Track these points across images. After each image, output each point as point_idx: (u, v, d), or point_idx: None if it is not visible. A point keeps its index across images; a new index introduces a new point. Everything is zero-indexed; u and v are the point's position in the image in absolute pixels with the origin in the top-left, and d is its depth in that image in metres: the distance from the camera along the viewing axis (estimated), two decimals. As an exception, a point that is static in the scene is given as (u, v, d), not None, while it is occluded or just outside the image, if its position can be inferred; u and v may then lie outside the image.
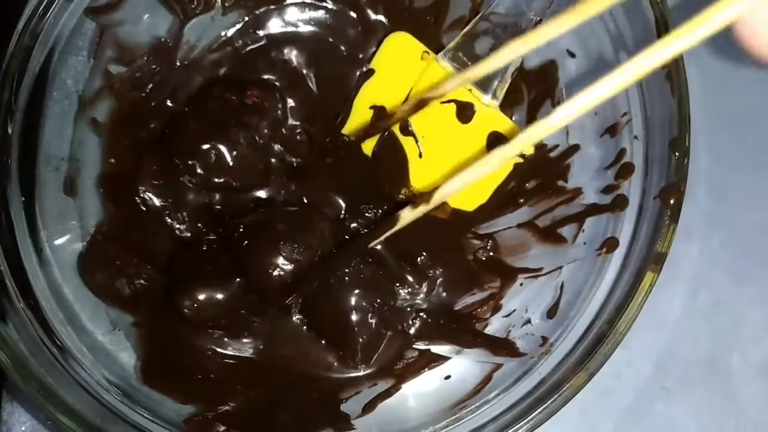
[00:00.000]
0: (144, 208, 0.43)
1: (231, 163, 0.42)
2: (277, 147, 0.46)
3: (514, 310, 0.41)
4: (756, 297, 0.47)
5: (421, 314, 0.43)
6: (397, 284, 0.44)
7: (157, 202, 0.44)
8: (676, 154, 0.32)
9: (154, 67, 0.47)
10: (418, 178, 0.44)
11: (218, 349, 0.42)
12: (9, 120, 0.38)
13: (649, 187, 0.34)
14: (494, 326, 0.41)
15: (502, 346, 0.39)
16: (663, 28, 0.31)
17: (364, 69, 0.46)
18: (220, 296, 0.40)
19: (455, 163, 0.43)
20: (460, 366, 0.41)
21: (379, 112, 0.45)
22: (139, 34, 0.45)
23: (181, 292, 0.40)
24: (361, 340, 0.41)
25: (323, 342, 0.43)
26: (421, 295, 0.44)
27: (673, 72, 0.32)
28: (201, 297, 0.40)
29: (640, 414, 0.46)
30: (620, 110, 0.37)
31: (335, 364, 0.43)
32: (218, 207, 0.44)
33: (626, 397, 0.46)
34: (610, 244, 0.35)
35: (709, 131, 0.48)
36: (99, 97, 0.44)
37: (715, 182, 0.48)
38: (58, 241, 0.41)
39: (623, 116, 0.37)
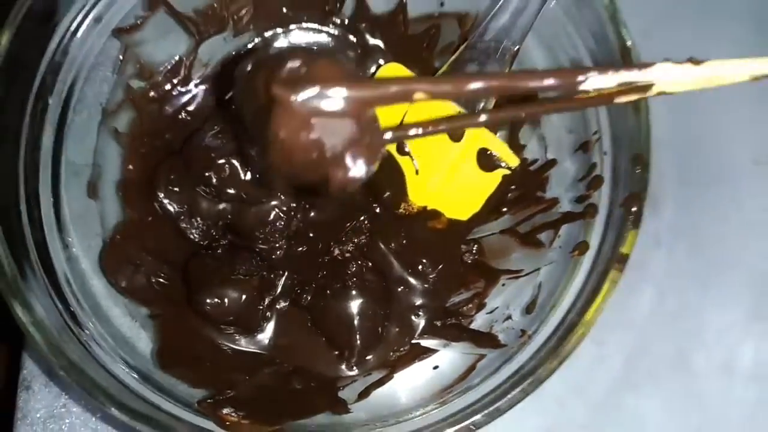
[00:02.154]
0: (161, 213, 0.46)
1: (243, 177, 0.44)
2: None
3: (497, 308, 0.44)
4: (717, 301, 0.50)
5: (420, 313, 0.46)
6: (400, 288, 0.47)
7: (173, 207, 0.46)
8: (638, 168, 0.35)
9: (171, 83, 0.49)
10: (416, 192, 0.47)
11: (229, 344, 0.45)
12: (41, 129, 0.40)
13: (615, 197, 0.37)
14: (479, 322, 0.44)
15: (485, 340, 0.41)
16: (627, 56, 0.36)
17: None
18: (239, 297, 0.43)
19: (449, 178, 0.46)
20: (447, 357, 0.43)
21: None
22: (158, 52, 0.47)
23: (204, 291, 0.43)
24: (358, 343, 0.45)
25: (325, 340, 0.46)
26: (419, 296, 0.47)
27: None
28: (222, 297, 0.43)
29: (612, 406, 0.49)
30: (592, 129, 0.40)
31: (334, 361, 0.46)
32: (229, 215, 0.47)
33: (600, 390, 0.49)
34: (582, 247, 0.38)
35: (676, 149, 0.51)
36: (120, 109, 0.47)
37: (680, 197, 0.52)
38: (82, 239, 0.42)
39: (594, 134, 0.40)
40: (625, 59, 0.36)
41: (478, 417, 0.34)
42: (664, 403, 0.49)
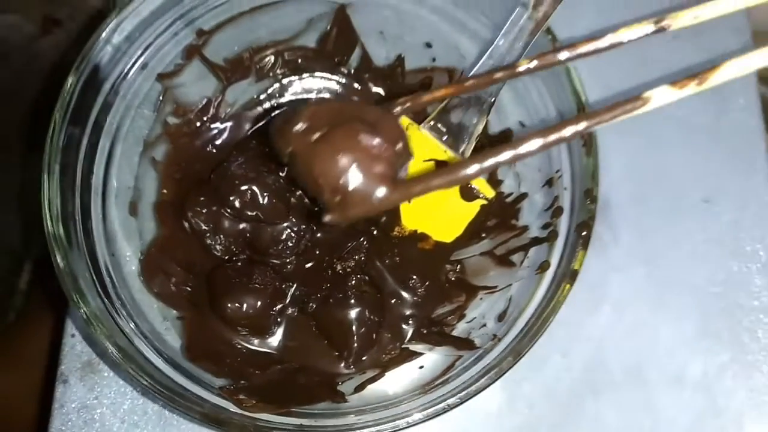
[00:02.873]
0: (190, 230, 0.50)
1: (262, 202, 0.48)
2: (298, 192, 0.50)
3: (475, 317, 0.48)
4: (669, 319, 0.54)
5: (409, 321, 0.50)
6: (393, 300, 0.51)
7: (200, 226, 0.49)
8: (588, 200, 0.41)
9: (201, 120, 0.53)
10: (408, 218, 0.51)
11: (245, 344, 0.49)
12: (93, 157, 0.45)
13: (571, 224, 0.42)
14: (459, 329, 0.48)
15: (464, 344, 0.46)
16: (581, 110, 0.43)
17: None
18: (254, 303, 0.47)
19: (436, 205, 0.50)
20: (431, 358, 0.47)
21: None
22: (191, 94, 0.51)
23: (224, 297, 0.47)
24: (356, 345, 0.48)
25: (326, 342, 0.50)
26: (409, 307, 0.51)
27: (587, 140, 0.41)
28: (240, 303, 0.47)
29: (575, 410, 0.52)
30: (555, 168, 0.45)
31: (335, 360, 0.49)
32: (248, 234, 0.50)
33: (565, 395, 0.52)
34: (545, 266, 0.43)
35: (635, 186, 0.56)
36: (158, 142, 0.51)
37: (638, 227, 0.56)
38: (125, 249, 0.47)
39: (557, 172, 0.45)
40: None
41: (452, 399, 0.39)
42: (621, 410, 0.52)
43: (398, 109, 0.36)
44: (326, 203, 0.32)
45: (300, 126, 0.33)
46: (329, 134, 0.32)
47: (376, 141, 0.32)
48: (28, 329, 0.84)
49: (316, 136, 0.33)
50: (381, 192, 0.31)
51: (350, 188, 0.31)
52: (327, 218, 0.32)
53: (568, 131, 0.29)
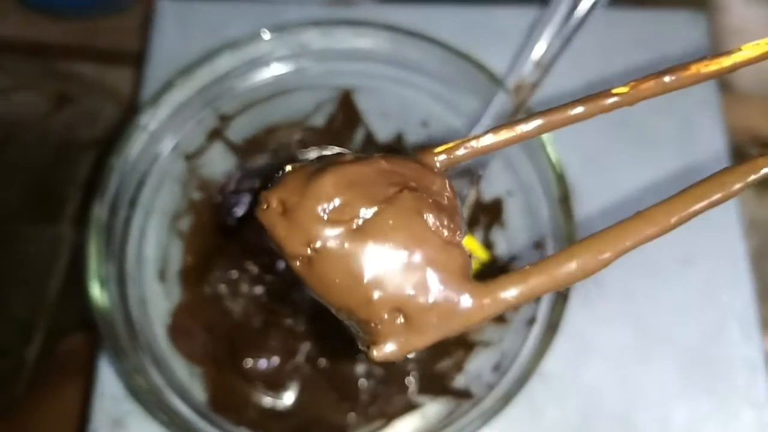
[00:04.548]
0: (211, 295, 0.54)
1: (277, 267, 0.53)
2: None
3: (472, 370, 0.51)
4: (655, 369, 0.57)
5: (412, 376, 0.54)
6: None
7: (220, 290, 0.54)
8: None
9: (223, 194, 0.57)
10: None
11: (262, 396, 0.53)
12: (128, 229, 0.50)
13: None
14: (458, 381, 0.52)
15: (462, 395, 0.50)
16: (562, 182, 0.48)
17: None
18: (270, 361, 0.52)
19: None
20: (432, 408, 0.51)
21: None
22: (214, 172, 0.56)
23: (244, 355, 0.51)
24: (363, 398, 0.52)
25: (336, 395, 0.53)
26: (412, 363, 0.54)
27: (565, 207, 0.47)
28: (258, 360, 0.51)
29: None
30: (540, 232, 0.50)
31: (344, 412, 0.52)
32: (264, 297, 0.54)
33: None
34: (532, 320, 0.47)
35: None
36: (183, 215, 0.55)
37: (625, 288, 0.59)
38: (155, 312, 0.51)
39: (541, 237, 0.50)
40: (560, 183, 0.49)
41: None
42: None
43: (443, 158, 0.25)
44: (376, 330, 0.22)
45: (321, 205, 0.22)
46: (380, 216, 0.21)
47: (446, 221, 0.22)
48: (37, 401, 0.87)
49: (354, 223, 0.21)
50: (466, 303, 0.21)
51: (426, 301, 0.21)
52: (382, 353, 0.22)
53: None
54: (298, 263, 0.23)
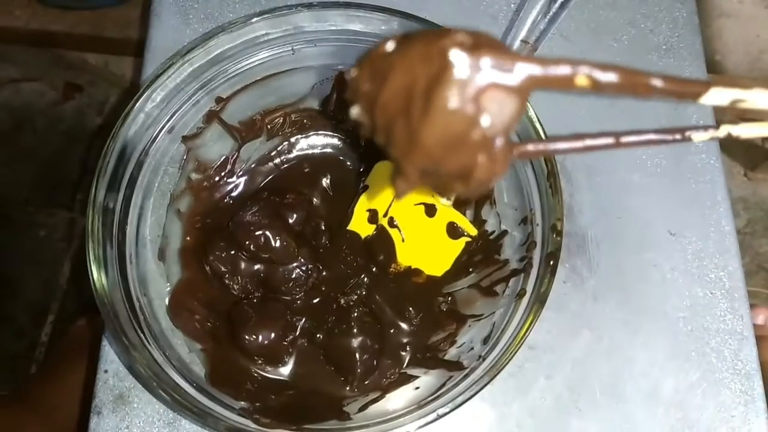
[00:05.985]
0: (210, 272, 0.55)
1: (273, 245, 0.53)
2: (305, 234, 0.56)
3: (464, 343, 0.53)
4: (643, 343, 0.59)
5: (406, 348, 0.56)
6: (392, 329, 0.56)
7: (219, 268, 0.54)
8: (554, 234, 0.47)
9: (219, 175, 0.59)
10: (403, 255, 0.56)
11: (261, 372, 0.55)
12: (127, 211, 0.50)
13: (543, 255, 0.48)
14: (450, 354, 0.53)
15: (455, 367, 0.51)
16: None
17: (362, 185, 0.57)
18: (268, 336, 0.52)
19: (426, 243, 0.56)
20: (426, 380, 0.52)
21: (373, 214, 0.57)
22: (210, 153, 0.57)
23: (243, 331, 0.52)
24: (359, 371, 0.53)
25: (333, 369, 0.55)
26: (406, 336, 0.56)
27: (553, 182, 0.47)
28: (256, 335, 0.52)
29: (562, 427, 0.57)
30: (528, 207, 0.51)
31: (340, 385, 0.54)
32: (262, 274, 0.55)
33: (551, 414, 0.57)
34: (521, 293, 0.48)
35: (608, 224, 0.62)
36: (182, 195, 0.56)
37: (612, 260, 0.61)
38: (154, 290, 0.52)
39: (531, 211, 0.51)
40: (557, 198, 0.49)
41: (443, 408, 0.44)
42: (603, 425, 0.57)
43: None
44: (469, 166, 0.24)
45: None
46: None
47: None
48: (49, 380, 0.89)
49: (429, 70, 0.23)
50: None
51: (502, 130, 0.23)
52: (477, 181, 0.25)
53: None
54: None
